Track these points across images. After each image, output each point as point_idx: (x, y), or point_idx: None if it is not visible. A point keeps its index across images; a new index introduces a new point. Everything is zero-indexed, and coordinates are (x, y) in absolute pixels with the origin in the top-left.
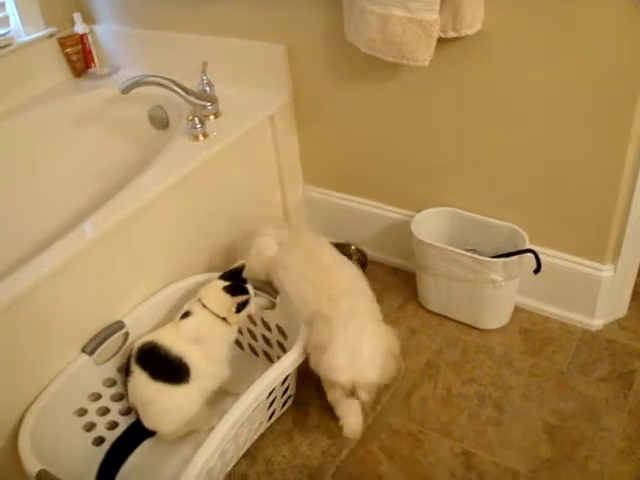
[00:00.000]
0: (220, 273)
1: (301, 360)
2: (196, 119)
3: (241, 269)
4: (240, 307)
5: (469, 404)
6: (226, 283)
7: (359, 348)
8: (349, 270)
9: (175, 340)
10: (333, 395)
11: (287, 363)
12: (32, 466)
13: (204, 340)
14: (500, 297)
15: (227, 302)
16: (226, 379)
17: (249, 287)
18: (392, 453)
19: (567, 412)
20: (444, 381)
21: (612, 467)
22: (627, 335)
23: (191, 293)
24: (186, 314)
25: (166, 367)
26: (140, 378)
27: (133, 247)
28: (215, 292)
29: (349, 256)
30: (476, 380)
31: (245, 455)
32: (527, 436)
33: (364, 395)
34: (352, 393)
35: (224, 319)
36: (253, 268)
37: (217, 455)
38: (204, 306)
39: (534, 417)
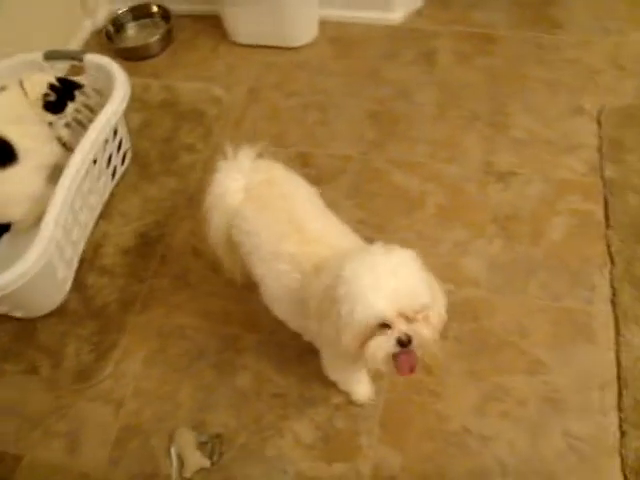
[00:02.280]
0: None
1: (123, 106)
2: None
3: (78, 86)
4: (48, 106)
5: (295, 114)
6: (57, 84)
7: (385, 275)
8: (339, 231)
9: None
10: (341, 364)
11: (109, 111)
12: None
13: (20, 118)
14: (301, 9)
15: (41, 95)
16: (60, 155)
17: (70, 106)
18: None
19: (384, 97)
20: (268, 101)
21: (427, 133)
22: (426, 22)
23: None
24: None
25: None
26: None
27: None
28: (41, 80)
29: (151, 16)
30: (297, 92)
31: (101, 216)
32: (353, 126)
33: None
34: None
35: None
36: (213, 223)
37: (67, 208)
38: (21, 84)
39: (356, 109)
